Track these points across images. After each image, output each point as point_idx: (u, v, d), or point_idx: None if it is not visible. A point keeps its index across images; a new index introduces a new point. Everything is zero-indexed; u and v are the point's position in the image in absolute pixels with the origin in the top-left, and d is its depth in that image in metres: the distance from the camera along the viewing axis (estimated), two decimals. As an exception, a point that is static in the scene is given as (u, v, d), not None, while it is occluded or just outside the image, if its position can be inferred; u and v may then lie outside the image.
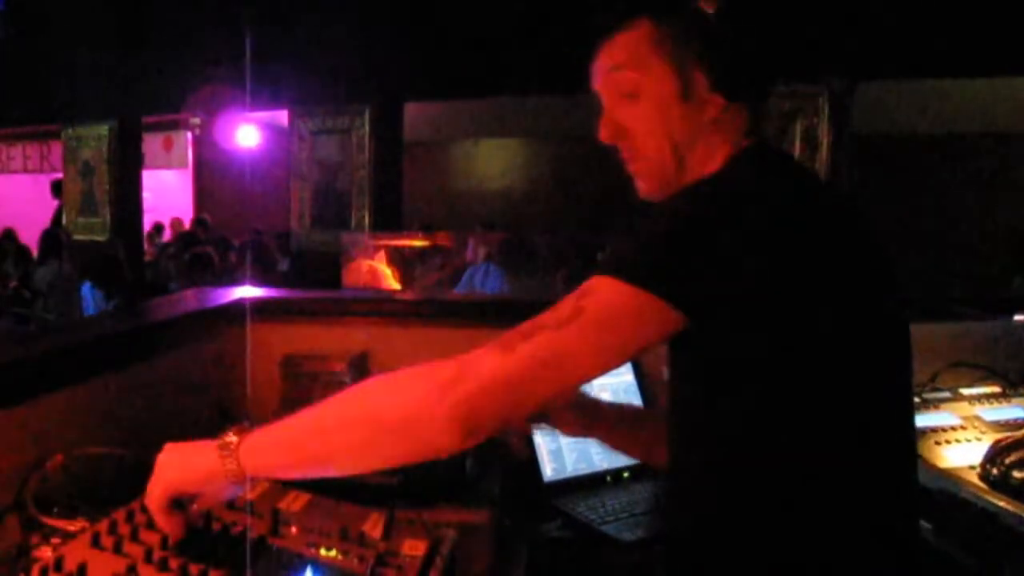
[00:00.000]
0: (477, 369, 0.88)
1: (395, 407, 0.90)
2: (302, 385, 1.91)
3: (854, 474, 0.96)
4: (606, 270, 0.90)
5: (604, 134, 1.08)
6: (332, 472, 0.95)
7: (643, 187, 1.10)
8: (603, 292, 0.90)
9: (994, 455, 1.41)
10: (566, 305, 0.90)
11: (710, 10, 1.01)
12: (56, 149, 8.77)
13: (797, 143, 4.94)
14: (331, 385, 1.90)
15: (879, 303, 1.01)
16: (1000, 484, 1.36)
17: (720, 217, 0.91)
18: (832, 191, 1.05)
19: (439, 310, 2.12)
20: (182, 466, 0.98)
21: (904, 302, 1.06)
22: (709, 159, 1.04)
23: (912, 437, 1.08)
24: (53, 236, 6.85)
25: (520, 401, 0.90)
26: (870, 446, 0.98)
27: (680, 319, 0.89)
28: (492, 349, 0.89)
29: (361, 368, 1.97)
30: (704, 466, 1.02)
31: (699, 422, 1.02)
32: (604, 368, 0.92)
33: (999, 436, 1.51)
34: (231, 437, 0.95)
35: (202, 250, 5.62)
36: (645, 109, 1.04)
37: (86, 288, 5.41)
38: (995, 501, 1.32)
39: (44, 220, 8.25)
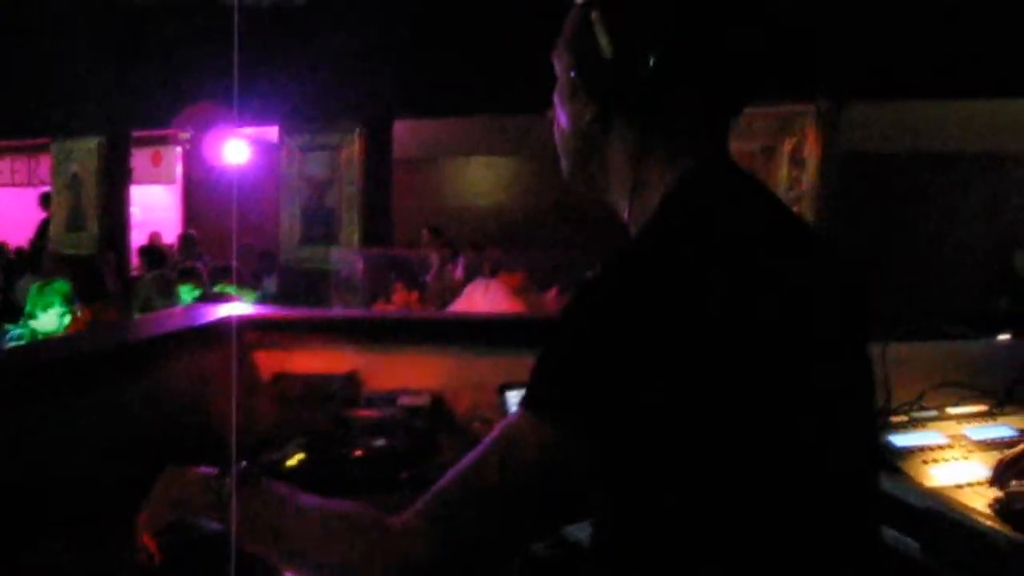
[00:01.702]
0: (416, 562, 0.76)
1: None
2: (293, 404, 1.90)
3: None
4: (529, 405, 0.77)
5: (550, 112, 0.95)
6: None
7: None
8: (525, 442, 0.76)
9: (999, 477, 1.42)
10: (491, 460, 0.77)
11: None
12: (44, 163, 8.74)
13: (784, 162, 4.98)
14: (323, 404, 1.90)
15: (832, 376, 0.82)
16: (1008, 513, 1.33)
17: (610, 321, 0.74)
18: (795, 232, 0.86)
19: (432, 329, 2.11)
20: (177, 493, 0.96)
21: (883, 335, 0.93)
22: (628, 181, 0.87)
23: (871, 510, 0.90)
24: (35, 249, 6.81)
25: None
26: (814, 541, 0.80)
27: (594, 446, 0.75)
28: (421, 529, 0.77)
29: (352, 386, 1.97)
30: None
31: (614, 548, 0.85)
32: (555, 521, 0.84)
33: (987, 455, 1.52)
34: (225, 481, 0.91)
35: (191, 265, 5.59)
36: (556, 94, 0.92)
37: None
38: (990, 524, 1.31)
39: (31, 234, 8.22)
